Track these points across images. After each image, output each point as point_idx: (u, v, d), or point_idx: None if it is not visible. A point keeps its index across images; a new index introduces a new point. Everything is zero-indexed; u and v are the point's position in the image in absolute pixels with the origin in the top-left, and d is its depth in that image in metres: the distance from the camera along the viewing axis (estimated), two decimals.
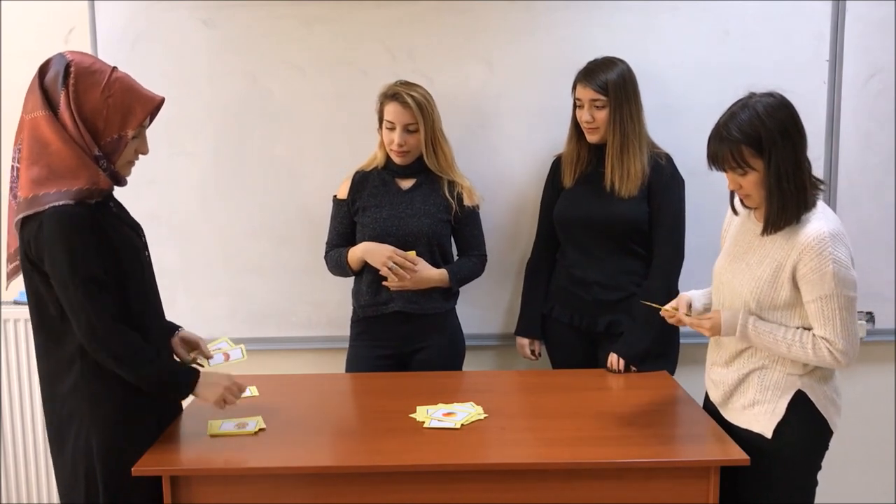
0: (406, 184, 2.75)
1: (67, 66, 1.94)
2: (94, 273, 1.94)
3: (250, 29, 2.93)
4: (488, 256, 2.85)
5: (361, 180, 2.77)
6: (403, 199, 2.72)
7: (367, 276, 2.71)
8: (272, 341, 3.08)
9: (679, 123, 2.90)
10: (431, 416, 2.23)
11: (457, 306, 2.82)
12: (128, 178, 2.08)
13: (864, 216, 2.99)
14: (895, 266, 3.02)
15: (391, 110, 2.64)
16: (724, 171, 2.05)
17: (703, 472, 1.99)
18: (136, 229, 2.15)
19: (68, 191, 1.92)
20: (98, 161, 1.97)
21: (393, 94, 2.64)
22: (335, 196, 2.81)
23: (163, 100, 2.04)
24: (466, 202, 2.75)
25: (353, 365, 2.78)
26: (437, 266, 2.71)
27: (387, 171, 2.75)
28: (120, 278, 2.02)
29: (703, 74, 2.93)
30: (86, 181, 1.94)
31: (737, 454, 2.00)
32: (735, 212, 2.20)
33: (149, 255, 2.18)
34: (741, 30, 2.93)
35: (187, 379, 2.08)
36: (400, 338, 2.73)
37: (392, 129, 2.65)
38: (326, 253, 2.82)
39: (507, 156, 3.01)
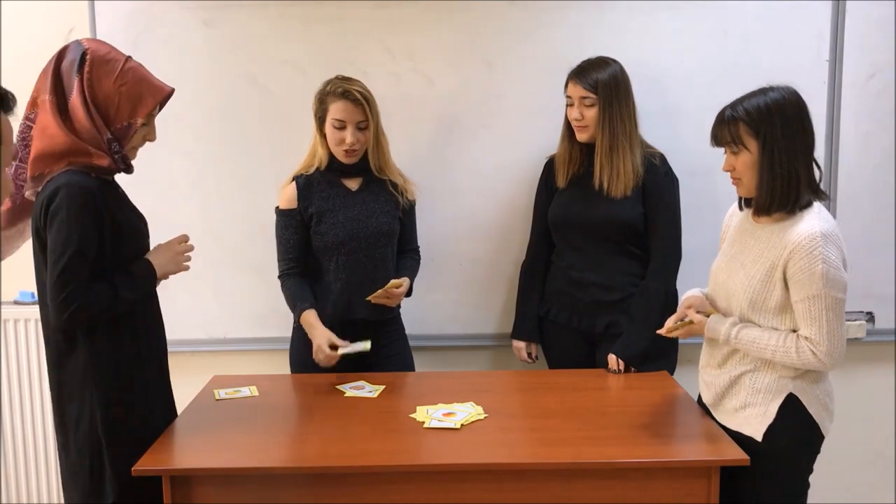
0: (353, 184, 2.66)
1: (84, 54, 1.99)
2: (88, 250, 1.96)
3: (250, 29, 2.93)
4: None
5: (307, 185, 2.64)
6: (356, 201, 2.64)
7: (336, 286, 2.64)
8: (272, 341, 3.07)
9: (678, 123, 2.90)
10: (431, 416, 2.23)
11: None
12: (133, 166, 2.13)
13: (864, 216, 2.99)
14: (895, 266, 3.02)
15: (341, 108, 2.54)
16: (722, 147, 2.07)
17: (703, 472, 1.99)
18: (140, 217, 2.19)
19: (68, 167, 1.99)
20: (110, 144, 2.02)
21: (343, 92, 2.54)
22: (278, 208, 2.68)
23: (172, 90, 2.10)
24: (409, 197, 2.71)
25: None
26: (394, 262, 2.68)
27: (330, 172, 2.65)
28: (119, 261, 2.06)
29: (703, 74, 2.93)
30: (82, 162, 2.00)
31: (736, 454, 2.00)
32: (741, 207, 2.19)
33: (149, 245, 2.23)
34: (741, 30, 2.93)
35: (146, 273, 2.12)
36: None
37: (342, 128, 2.55)
38: (284, 274, 2.67)
39: (506, 156, 3.00)
